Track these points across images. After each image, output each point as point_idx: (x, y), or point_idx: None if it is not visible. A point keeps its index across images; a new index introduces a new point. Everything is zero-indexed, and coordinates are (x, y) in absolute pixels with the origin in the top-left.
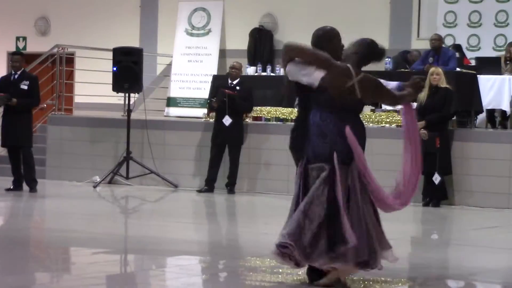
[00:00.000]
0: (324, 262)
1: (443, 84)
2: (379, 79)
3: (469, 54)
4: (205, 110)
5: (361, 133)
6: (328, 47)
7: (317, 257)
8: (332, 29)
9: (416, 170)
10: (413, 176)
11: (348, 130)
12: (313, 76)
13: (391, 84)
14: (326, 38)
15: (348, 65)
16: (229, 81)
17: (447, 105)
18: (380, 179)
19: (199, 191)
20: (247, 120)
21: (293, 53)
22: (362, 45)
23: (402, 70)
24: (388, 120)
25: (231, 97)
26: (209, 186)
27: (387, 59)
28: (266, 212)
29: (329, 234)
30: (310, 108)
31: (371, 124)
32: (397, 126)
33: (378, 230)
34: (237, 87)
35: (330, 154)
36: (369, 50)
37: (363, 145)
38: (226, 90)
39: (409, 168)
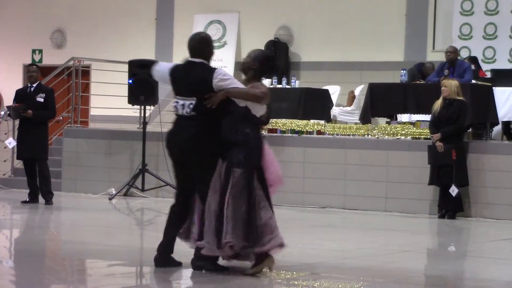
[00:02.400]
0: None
1: (458, 96)
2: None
3: (485, 66)
4: None
5: None
6: (207, 51)
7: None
8: (208, 35)
9: None
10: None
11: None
12: (260, 110)
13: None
14: (206, 43)
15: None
16: None
17: (461, 117)
18: (396, 191)
19: None
20: (262, 132)
21: (237, 96)
22: (260, 60)
23: (417, 82)
24: (403, 132)
25: None
26: None
27: (402, 71)
28: (280, 225)
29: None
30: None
31: (386, 137)
32: (413, 138)
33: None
34: None
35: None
36: (268, 65)
37: None
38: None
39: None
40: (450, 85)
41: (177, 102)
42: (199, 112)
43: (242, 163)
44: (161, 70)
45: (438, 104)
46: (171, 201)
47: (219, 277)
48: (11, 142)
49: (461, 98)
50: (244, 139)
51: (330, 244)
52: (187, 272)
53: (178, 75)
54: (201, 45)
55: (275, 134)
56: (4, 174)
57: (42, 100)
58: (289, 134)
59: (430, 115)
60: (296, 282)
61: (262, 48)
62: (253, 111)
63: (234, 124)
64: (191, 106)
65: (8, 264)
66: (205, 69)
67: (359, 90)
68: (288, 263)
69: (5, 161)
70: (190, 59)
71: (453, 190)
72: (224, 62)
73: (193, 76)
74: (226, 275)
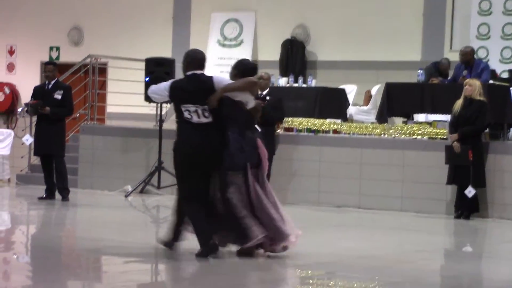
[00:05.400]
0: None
1: (479, 96)
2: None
3: (502, 67)
4: None
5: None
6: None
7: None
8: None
9: None
10: None
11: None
12: (251, 101)
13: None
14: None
15: None
16: (259, 92)
17: (481, 118)
18: (412, 190)
19: None
20: (278, 131)
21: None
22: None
23: (434, 80)
24: (420, 132)
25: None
26: None
27: (419, 70)
28: (296, 224)
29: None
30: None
31: (402, 136)
32: (429, 138)
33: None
34: (267, 97)
35: (245, 164)
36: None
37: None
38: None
39: None
40: (475, 84)
41: (188, 110)
42: (214, 118)
43: (225, 167)
44: (157, 90)
45: (458, 104)
46: None
47: (232, 271)
48: (28, 139)
49: (482, 98)
50: (227, 142)
51: (345, 243)
52: (201, 268)
53: (183, 86)
54: (203, 59)
55: (291, 133)
56: (21, 170)
57: (59, 97)
58: (305, 133)
59: (447, 115)
60: (311, 281)
61: (279, 46)
62: (248, 103)
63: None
64: (206, 113)
65: (24, 260)
66: (207, 77)
67: (376, 90)
68: (303, 262)
69: (22, 157)
70: (192, 72)
71: (470, 191)
72: None
73: (199, 85)
74: (241, 270)
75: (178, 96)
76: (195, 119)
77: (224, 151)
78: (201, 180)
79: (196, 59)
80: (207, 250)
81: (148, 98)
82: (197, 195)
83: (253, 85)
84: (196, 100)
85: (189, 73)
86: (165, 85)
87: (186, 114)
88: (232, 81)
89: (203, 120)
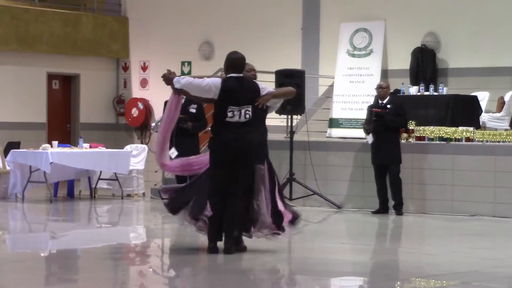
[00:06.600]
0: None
1: None
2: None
3: None
4: None
5: None
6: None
7: None
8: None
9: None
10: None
11: None
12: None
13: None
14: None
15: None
16: (379, 101)
17: None
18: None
19: (374, 212)
20: (410, 140)
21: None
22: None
23: None
24: None
25: (379, 115)
26: (383, 207)
27: None
28: (429, 233)
29: None
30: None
31: None
32: None
33: None
34: (388, 106)
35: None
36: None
37: None
38: (374, 109)
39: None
40: None
41: (233, 111)
42: (253, 118)
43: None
44: (198, 83)
45: None
46: (318, 209)
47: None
48: (174, 152)
49: None
50: (264, 136)
51: (480, 252)
52: (336, 281)
53: (235, 87)
54: (244, 62)
55: (423, 142)
56: (155, 185)
57: (194, 111)
58: (437, 142)
59: None
60: None
61: (409, 55)
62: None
63: (262, 126)
64: (249, 112)
65: (159, 273)
66: (254, 82)
67: (509, 96)
68: (438, 272)
69: (156, 171)
70: (238, 74)
71: None
72: (370, 70)
73: (248, 88)
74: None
75: (228, 97)
76: (235, 119)
77: (260, 145)
78: (234, 175)
79: (236, 62)
80: (229, 245)
81: (278, 110)
82: (224, 189)
83: (294, 93)
84: (245, 101)
85: (233, 75)
86: (212, 82)
87: (229, 115)
88: (278, 89)
89: (242, 120)
